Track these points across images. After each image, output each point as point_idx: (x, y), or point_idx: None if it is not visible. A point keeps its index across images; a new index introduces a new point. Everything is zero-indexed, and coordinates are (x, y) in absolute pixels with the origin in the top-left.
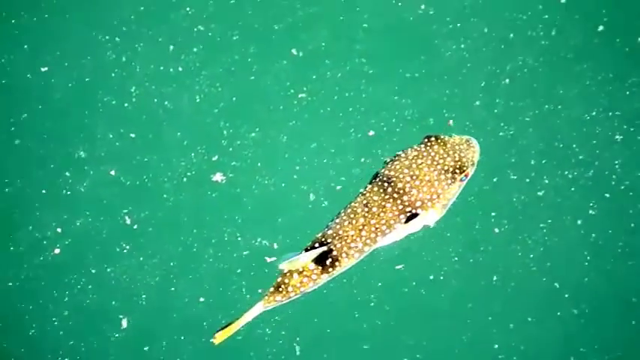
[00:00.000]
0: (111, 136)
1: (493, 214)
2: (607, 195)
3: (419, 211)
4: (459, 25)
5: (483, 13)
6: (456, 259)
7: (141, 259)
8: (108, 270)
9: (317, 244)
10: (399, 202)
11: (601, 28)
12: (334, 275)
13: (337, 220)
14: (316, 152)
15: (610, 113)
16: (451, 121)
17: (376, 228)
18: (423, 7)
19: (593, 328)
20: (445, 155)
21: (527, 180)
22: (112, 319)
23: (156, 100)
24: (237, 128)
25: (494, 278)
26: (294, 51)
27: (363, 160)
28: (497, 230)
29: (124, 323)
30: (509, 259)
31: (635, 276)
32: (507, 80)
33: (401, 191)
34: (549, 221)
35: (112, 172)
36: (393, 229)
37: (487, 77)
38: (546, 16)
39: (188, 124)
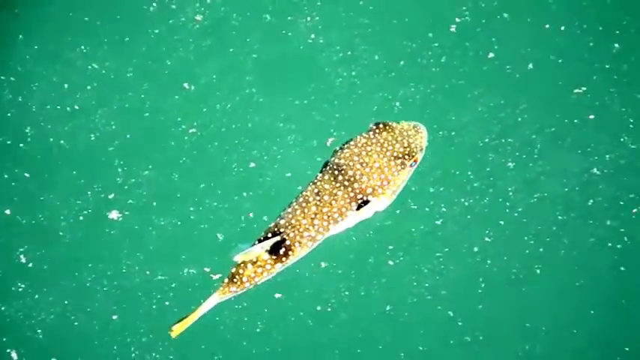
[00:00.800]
0: (6, 176)
1: (390, 247)
2: (501, 222)
3: (370, 198)
4: (349, 53)
5: (373, 41)
6: (347, 292)
7: (36, 296)
8: (2, 308)
9: (270, 234)
10: (349, 189)
11: (491, 55)
12: (288, 264)
13: (289, 210)
14: (205, 192)
15: (502, 140)
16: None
17: (328, 216)
18: (312, 36)
19: (486, 355)
20: (394, 142)
21: (427, 209)
22: (2, 354)
23: (51, 139)
24: (132, 166)
25: (387, 308)
26: (186, 85)
27: (245, 194)
28: (391, 263)
29: (14, 355)
30: (403, 289)
31: (529, 302)
32: (399, 105)
33: (352, 179)
34: (446, 250)
35: (7, 212)
36: (346, 217)
37: (379, 103)
38: (436, 44)
39: (83, 163)
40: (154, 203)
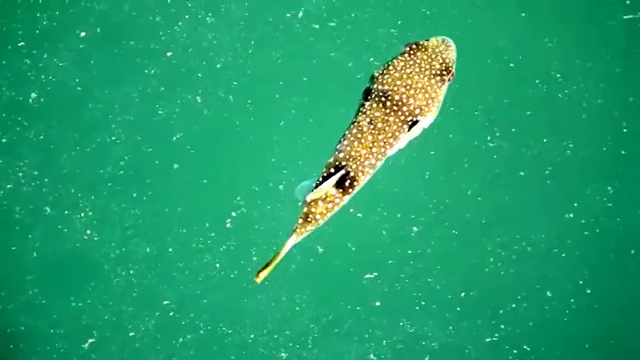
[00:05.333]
0: None
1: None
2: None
3: (419, 117)
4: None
5: None
6: None
7: None
8: None
9: (332, 169)
10: (399, 113)
11: None
12: (353, 194)
13: (345, 143)
14: None
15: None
16: None
17: (384, 142)
18: (88, 232)
19: None
20: (430, 60)
21: None
22: None
23: None
24: None
25: None
26: None
27: None
28: None
29: None
30: None
31: None
32: None
33: (399, 103)
34: None
35: None
36: (399, 139)
37: None
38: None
39: None
40: None
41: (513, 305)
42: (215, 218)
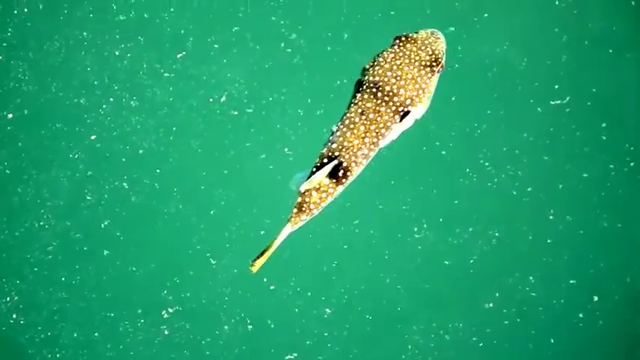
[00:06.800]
0: None
1: None
2: None
3: (410, 108)
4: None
5: None
6: None
7: None
8: None
9: (325, 160)
10: (390, 103)
11: None
12: (347, 185)
13: (338, 134)
14: None
15: None
16: None
17: (377, 132)
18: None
19: None
20: (419, 51)
21: None
22: None
23: None
24: None
25: None
26: None
27: None
28: None
29: None
30: None
31: None
32: None
33: (390, 93)
34: None
35: None
36: (391, 130)
37: None
38: None
39: None
40: None
41: None
42: (148, 305)
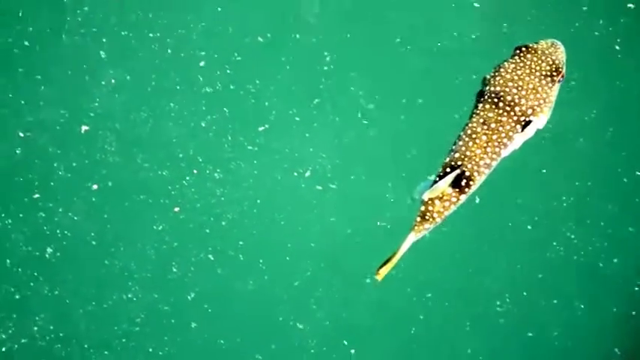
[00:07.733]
0: None
1: None
2: None
3: (531, 118)
4: None
5: None
6: None
7: None
8: None
9: (448, 169)
10: (512, 113)
11: None
12: (469, 194)
13: (460, 144)
14: None
15: None
16: None
17: (499, 142)
18: None
19: None
20: (540, 61)
21: None
22: None
23: None
24: None
25: None
26: None
27: None
28: None
29: None
30: None
31: None
32: None
33: (512, 103)
34: None
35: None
36: (513, 140)
37: None
38: None
39: None
40: None
41: None
42: None
